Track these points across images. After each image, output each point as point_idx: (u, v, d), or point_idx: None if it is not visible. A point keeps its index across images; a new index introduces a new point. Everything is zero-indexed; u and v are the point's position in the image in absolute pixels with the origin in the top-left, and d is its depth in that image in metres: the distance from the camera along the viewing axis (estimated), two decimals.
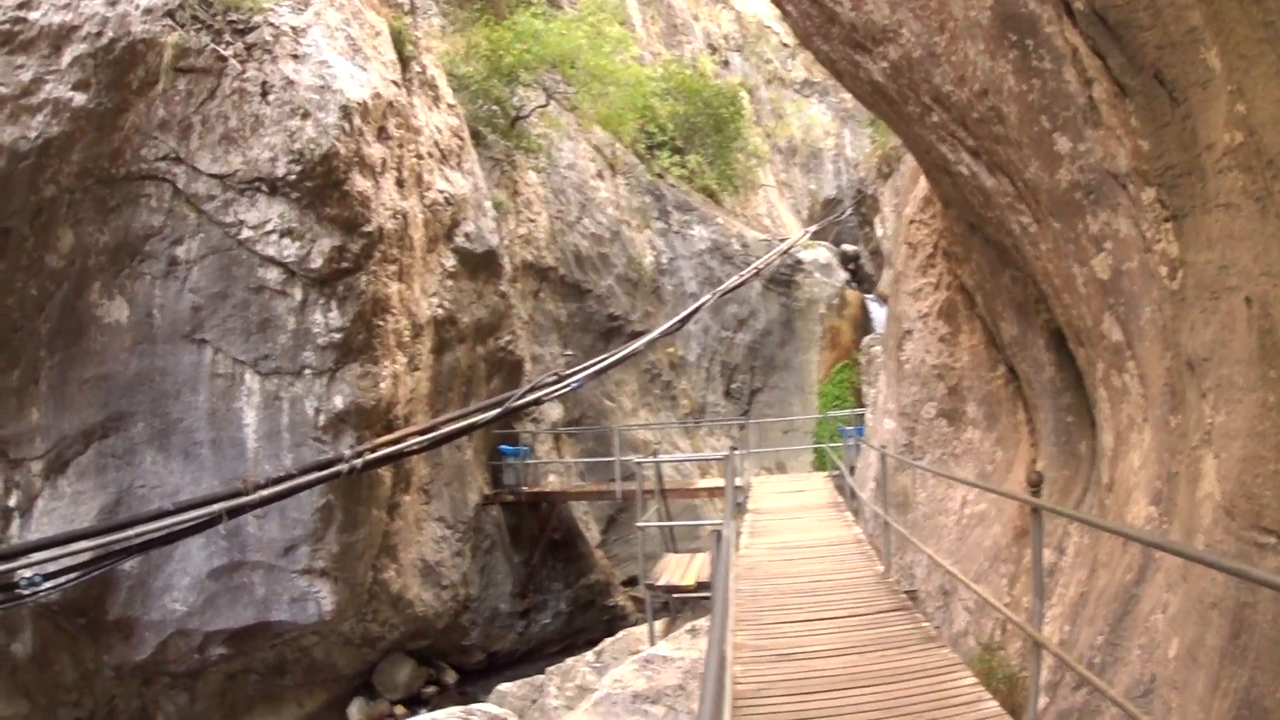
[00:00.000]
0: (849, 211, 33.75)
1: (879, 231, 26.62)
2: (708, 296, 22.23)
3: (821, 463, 20.22)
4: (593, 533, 20.17)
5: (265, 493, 11.47)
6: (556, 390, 16.36)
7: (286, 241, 12.56)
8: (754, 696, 5.20)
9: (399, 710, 14.33)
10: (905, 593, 7.60)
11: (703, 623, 10.17)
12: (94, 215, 12.09)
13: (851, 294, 27.21)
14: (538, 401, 16.63)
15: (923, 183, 10.50)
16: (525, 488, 17.63)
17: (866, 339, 24.12)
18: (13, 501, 11.83)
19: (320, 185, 12.53)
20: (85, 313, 12.19)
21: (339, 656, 13.90)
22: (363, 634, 13.93)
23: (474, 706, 11.97)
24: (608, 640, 13.08)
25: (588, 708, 8.80)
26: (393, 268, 13.57)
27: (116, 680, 12.60)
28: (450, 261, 15.81)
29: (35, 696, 12.32)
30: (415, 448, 13.56)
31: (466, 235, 16.27)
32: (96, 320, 12.21)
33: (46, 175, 11.52)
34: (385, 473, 13.56)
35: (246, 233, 12.57)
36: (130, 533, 11.01)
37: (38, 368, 11.89)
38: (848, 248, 32.87)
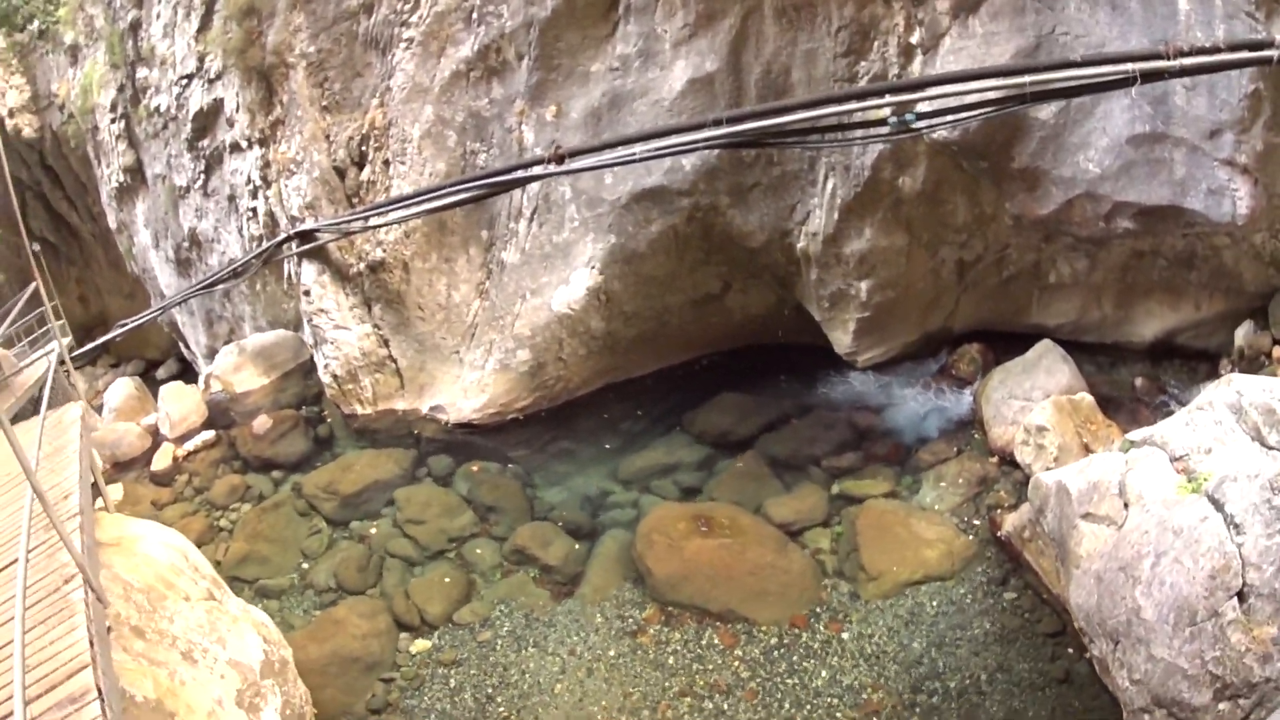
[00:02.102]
0: None
1: None
2: None
3: None
4: None
5: (1185, 62, 9.99)
6: None
7: None
8: None
9: (1277, 353, 12.49)
10: None
11: None
12: None
13: None
14: None
15: None
16: None
17: None
18: (915, 38, 11.74)
19: None
20: None
21: (1246, 269, 12.47)
22: (1272, 253, 12.25)
23: None
24: None
25: None
26: None
27: (1015, 230, 12.63)
28: None
29: (916, 231, 12.77)
30: None
31: None
32: None
33: None
34: None
35: None
36: (1027, 79, 10.27)
37: None
38: None
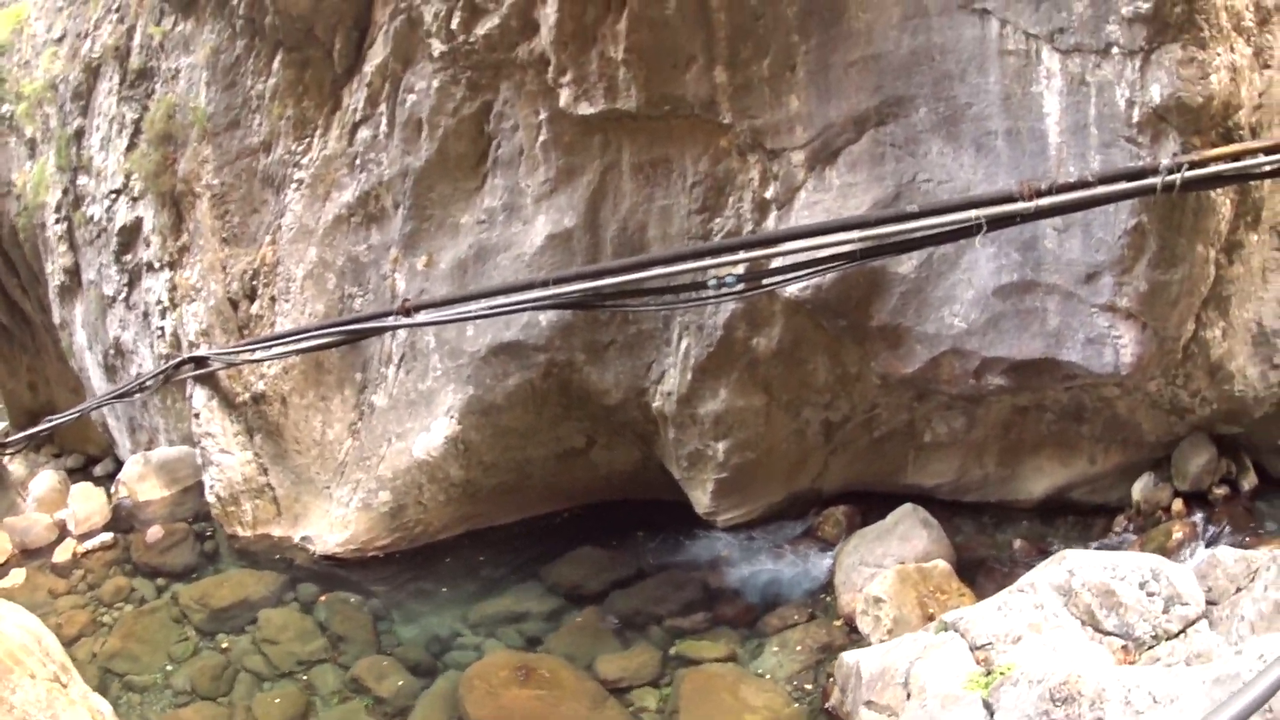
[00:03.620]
0: None
1: None
2: None
3: None
4: None
5: (1045, 202, 9.57)
6: None
7: None
8: None
9: (1177, 506, 12.25)
10: None
11: None
12: None
13: None
14: None
15: None
16: None
17: None
18: (769, 193, 11.78)
19: None
20: None
21: (1143, 418, 12.17)
22: (1170, 399, 11.95)
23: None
24: None
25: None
26: None
27: (883, 389, 12.61)
28: None
29: (775, 392, 12.86)
30: (1265, 169, 10.11)
31: None
32: None
33: None
34: (1223, 198, 10.84)
35: None
36: (861, 234, 10.19)
37: (791, 54, 11.30)
38: None
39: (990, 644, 8.11)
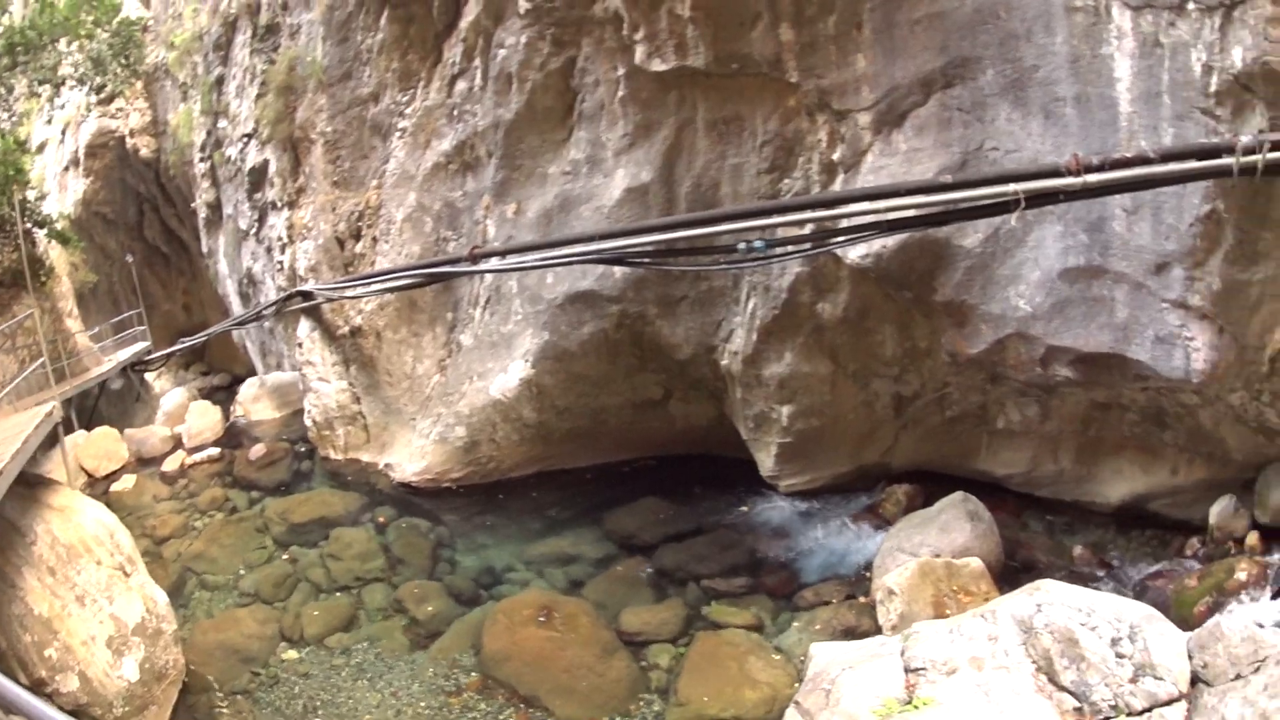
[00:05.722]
0: None
1: None
2: None
3: None
4: None
5: (1094, 179, 8.27)
6: None
7: None
8: None
9: (1251, 540, 10.67)
10: None
11: None
12: None
13: None
14: None
15: None
16: None
17: None
18: (837, 155, 11.48)
19: None
20: None
21: (1228, 433, 10.82)
22: (1257, 417, 10.46)
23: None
24: None
25: None
26: None
27: (953, 368, 12.13)
28: None
29: (842, 360, 12.64)
30: None
31: None
32: None
33: None
34: None
35: None
36: (894, 203, 9.49)
37: (857, 10, 10.82)
38: None
39: (924, 669, 7.16)
